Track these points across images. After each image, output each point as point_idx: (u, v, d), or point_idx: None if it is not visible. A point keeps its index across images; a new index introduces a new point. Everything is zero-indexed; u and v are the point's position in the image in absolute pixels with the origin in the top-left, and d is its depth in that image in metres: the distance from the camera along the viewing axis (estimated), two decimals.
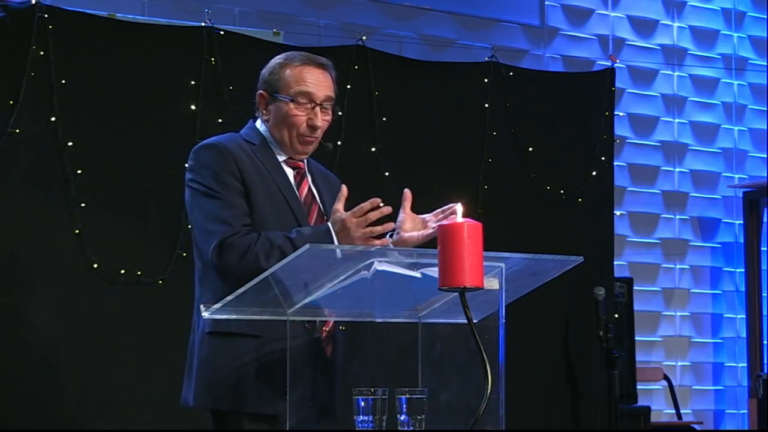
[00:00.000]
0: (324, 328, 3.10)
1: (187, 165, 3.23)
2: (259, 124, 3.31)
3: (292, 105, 3.22)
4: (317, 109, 3.23)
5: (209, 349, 3.13)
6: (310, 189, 3.29)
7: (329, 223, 3.05)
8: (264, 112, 3.28)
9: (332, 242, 2.99)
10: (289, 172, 3.28)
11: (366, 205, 3.02)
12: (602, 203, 6.81)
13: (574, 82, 6.83)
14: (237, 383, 3.08)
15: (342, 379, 3.13)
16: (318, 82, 3.24)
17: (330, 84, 3.28)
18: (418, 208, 5.90)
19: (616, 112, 6.92)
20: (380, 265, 2.74)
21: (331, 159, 5.66)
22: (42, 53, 5.07)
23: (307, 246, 2.77)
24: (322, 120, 3.24)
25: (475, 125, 6.38)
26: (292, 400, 2.89)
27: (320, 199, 3.31)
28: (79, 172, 5.12)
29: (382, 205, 3.02)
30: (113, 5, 5.57)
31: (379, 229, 3.00)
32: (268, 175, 3.19)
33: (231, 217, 3.09)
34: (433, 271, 2.66)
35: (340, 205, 3.06)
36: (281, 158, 3.28)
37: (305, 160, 3.34)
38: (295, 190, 3.26)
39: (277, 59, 3.30)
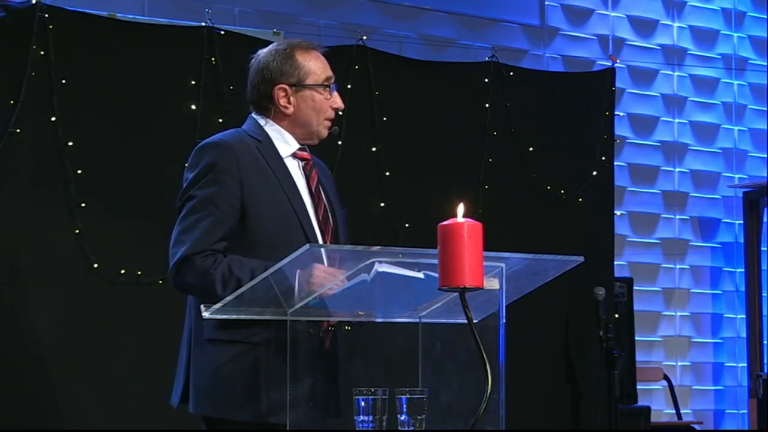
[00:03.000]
0: (325, 325, 3.06)
1: (187, 163, 3.19)
2: (262, 120, 3.27)
3: (324, 91, 3.24)
4: (335, 90, 3.28)
5: (209, 357, 3.08)
6: (319, 181, 3.26)
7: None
8: (285, 106, 3.23)
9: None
10: (297, 165, 3.25)
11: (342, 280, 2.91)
12: (602, 203, 6.81)
13: (574, 82, 6.83)
14: (240, 391, 3.05)
15: (343, 376, 3.13)
16: (327, 63, 3.29)
17: None
18: (418, 208, 5.93)
19: (616, 112, 6.92)
20: (381, 267, 2.73)
21: (331, 159, 5.66)
22: (42, 53, 5.07)
23: (307, 246, 2.77)
24: None
25: (476, 125, 6.38)
26: (293, 401, 2.88)
27: (324, 192, 3.28)
28: (79, 172, 5.12)
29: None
30: (113, 5, 5.57)
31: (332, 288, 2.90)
32: (272, 174, 3.15)
33: (205, 233, 3.04)
34: (435, 271, 2.66)
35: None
36: (287, 153, 3.24)
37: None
38: (305, 182, 3.23)
39: (276, 50, 3.27)
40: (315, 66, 3.25)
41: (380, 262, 2.73)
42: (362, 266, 2.75)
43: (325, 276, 2.87)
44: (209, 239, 3.04)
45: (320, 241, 3.14)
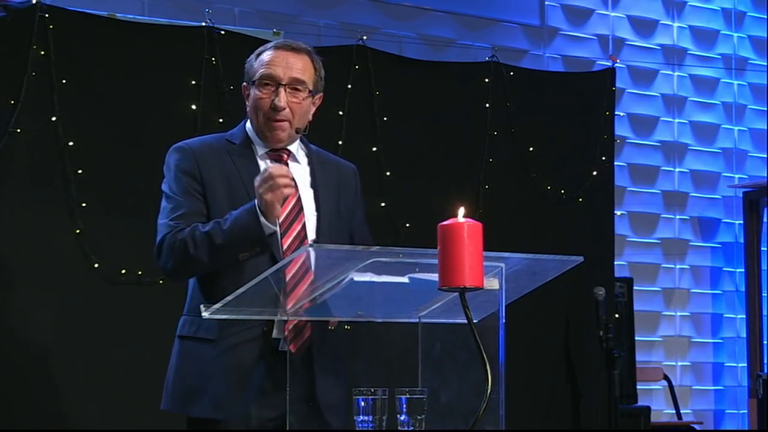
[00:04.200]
0: (286, 326, 3.04)
1: None
2: (249, 121, 3.30)
3: (256, 89, 3.21)
4: (280, 89, 3.19)
5: (175, 353, 3.21)
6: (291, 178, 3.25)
7: (255, 201, 3.03)
8: (247, 103, 3.29)
9: (257, 217, 2.98)
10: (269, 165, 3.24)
11: (274, 169, 3.03)
12: (602, 203, 6.80)
13: (574, 82, 6.83)
14: (191, 387, 3.13)
15: (323, 376, 3.12)
16: (286, 64, 3.21)
17: (302, 67, 3.23)
18: (419, 207, 5.93)
19: (616, 112, 6.92)
20: (357, 276, 2.74)
21: None
22: (42, 53, 5.07)
23: (308, 246, 2.76)
24: (289, 102, 3.19)
25: (476, 125, 6.38)
26: (249, 400, 3.00)
27: (314, 186, 3.27)
28: (79, 172, 5.12)
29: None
30: (113, 5, 5.57)
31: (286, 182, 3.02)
32: (237, 176, 3.18)
33: (175, 218, 3.12)
34: (423, 276, 2.67)
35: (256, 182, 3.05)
36: (262, 151, 3.25)
37: (304, 151, 3.31)
38: None
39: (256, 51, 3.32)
40: (259, 64, 3.22)
41: (358, 273, 2.73)
42: (340, 273, 2.77)
43: (279, 168, 3.01)
44: (181, 222, 3.12)
45: (278, 239, 3.12)
